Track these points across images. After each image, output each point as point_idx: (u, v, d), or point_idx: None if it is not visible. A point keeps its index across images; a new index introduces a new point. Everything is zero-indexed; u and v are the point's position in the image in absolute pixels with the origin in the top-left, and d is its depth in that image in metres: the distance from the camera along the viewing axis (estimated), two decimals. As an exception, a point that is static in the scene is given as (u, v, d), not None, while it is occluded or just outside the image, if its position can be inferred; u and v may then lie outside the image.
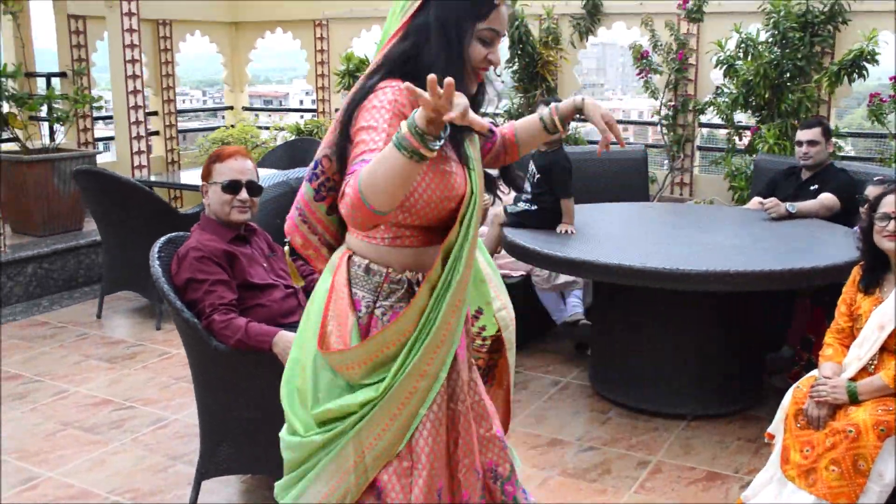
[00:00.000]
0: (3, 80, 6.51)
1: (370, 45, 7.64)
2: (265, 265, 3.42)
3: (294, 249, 2.24)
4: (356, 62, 7.06)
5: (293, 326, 3.23)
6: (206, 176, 3.40)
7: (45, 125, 7.31)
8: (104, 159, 7.80)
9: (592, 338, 4.74)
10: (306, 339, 2.13)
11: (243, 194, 3.35)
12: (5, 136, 6.73)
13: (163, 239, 3.41)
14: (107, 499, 3.46)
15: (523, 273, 5.03)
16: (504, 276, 4.84)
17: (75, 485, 3.57)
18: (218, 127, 8.94)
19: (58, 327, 5.63)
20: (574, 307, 5.00)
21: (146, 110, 7.64)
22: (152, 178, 7.23)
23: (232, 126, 8.61)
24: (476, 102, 2.11)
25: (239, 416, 3.23)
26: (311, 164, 2.14)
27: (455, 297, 2.00)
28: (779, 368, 4.58)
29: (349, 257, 2.09)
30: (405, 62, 1.99)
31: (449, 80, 1.62)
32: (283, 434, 2.17)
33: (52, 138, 7.33)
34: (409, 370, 1.97)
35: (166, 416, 4.23)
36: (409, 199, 1.96)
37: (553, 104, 2.40)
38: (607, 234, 4.58)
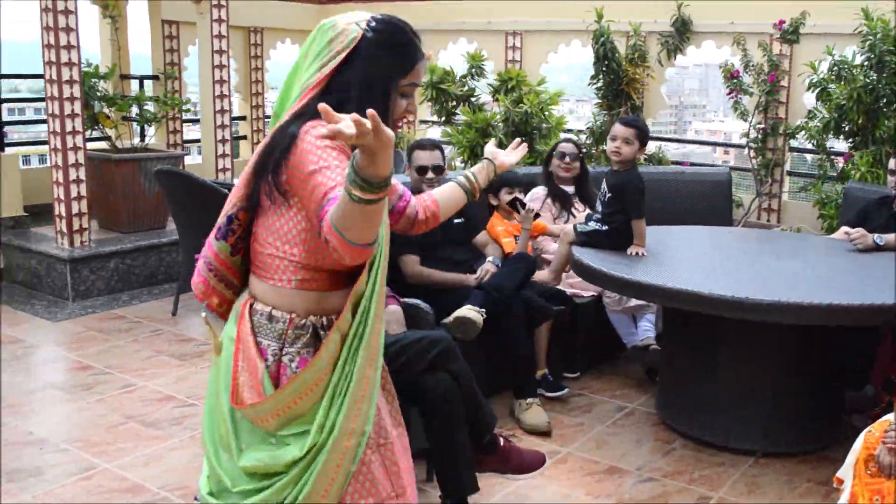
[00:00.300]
0: (96, 81, 6.73)
1: (456, 56, 7.63)
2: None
3: (212, 312, 2.21)
4: (439, 73, 7.05)
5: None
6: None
7: (137, 126, 7.53)
8: (191, 161, 7.99)
9: (661, 364, 4.59)
10: (220, 390, 2.09)
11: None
12: (96, 134, 6.94)
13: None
14: (157, 494, 3.50)
15: (594, 293, 4.92)
16: (574, 296, 4.76)
17: (129, 478, 3.62)
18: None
19: (134, 322, 5.76)
20: (646, 331, 4.86)
21: (233, 115, 7.79)
22: (235, 181, 7.33)
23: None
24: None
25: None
26: (224, 221, 2.09)
27: (369, 350, 1.98)
28: (860, 408, 4.35)
29: (251, 305, 2.07)
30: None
31: (371, 111, 1.56)
32: (203, 495, 2.12)
33: (142, 138, 7.54)
34: (338, 429, 1.94)
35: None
36: (315, 241, 1.94)
37: (469, 171, 2.47)
38: (680, 257, 4.44)
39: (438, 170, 4.51)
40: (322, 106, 1.56)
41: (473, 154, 6.75)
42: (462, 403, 3.18)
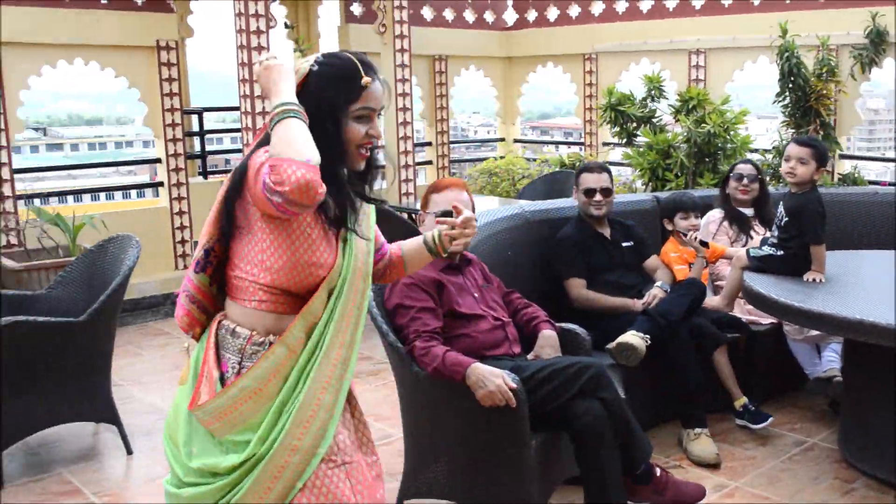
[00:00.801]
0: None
1: (636, 78, 7.51)
2: (476, 295, 3.44)
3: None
4: (618, 96, 6.96)
5: (498, 359, 3.24)
6: (424, 205, 3.48)
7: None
8: (376, 186, 8.27)
9: (843, 397, 4.28)
10: (183, 399, 2.17)
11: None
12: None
13: (383, 264, 3.54)
14: (319, 508, 3.63)
15: (773, 321, 4.67)
16: (751, 323, 4.54)
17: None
18: (487, 158, 9.18)
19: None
20: (830, 362, 4.55)
21: (418, 141, 8.03)
22: (417, 206, 7.55)
23: (501, 157, 8.81)
24: (364, 178, 2.25)
25: (438, 442, 3.27)
26: (201, 255, 2.17)
27: (323, 375, 2.08)
28: None
29: (220, 322, 2.18)
30: None
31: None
32: (165, 482, 2.21)
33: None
34: (278, 444, 2.02)
35: (393, 434, 4.37)
36: (275, 261, 2.06)
37: (437, 230, 2.47)
38: (862, 285, 4.14)
39: (606, 192, 4.46)
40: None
41: (654, 176, 6.62)
42: (612, 431, 3.11)
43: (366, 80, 2.11)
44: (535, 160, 9.01)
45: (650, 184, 6.68)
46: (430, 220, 3.42)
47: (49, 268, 5.61)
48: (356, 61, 2.14)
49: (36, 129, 37.27)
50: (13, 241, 6.26)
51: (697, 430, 4.06)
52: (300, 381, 2.07)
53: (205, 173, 7.88)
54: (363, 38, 8.09)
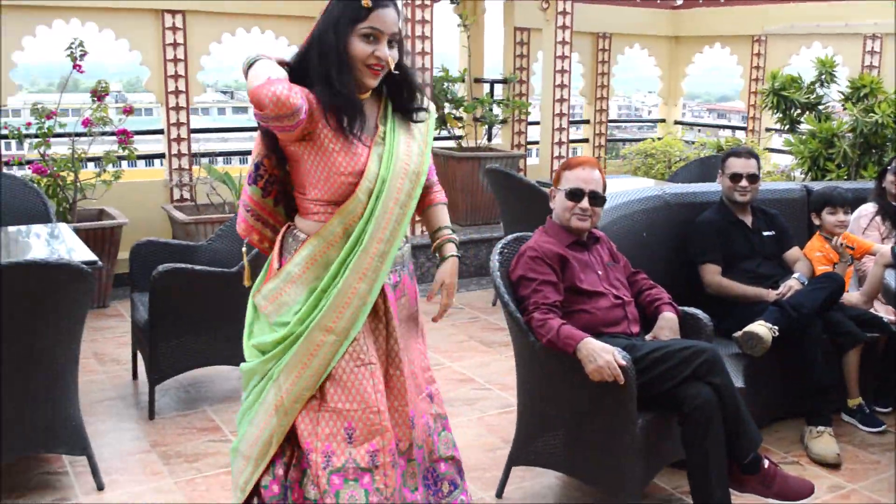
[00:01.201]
0: (448, 84, 7.33)
1: (807, 62, 7.23)
2: (599, 273, 3.50)
3: (251, 248, 2.65)
4: (783, 80, 6.73)
5: (615, 336, 3.31)
6: (556, 182, 3.57)
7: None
8: (530, 162, 8.38)
9: None
10: (252, 293, 2.52)
11: (584, 203, 3.45)
12: (444, 133, 7.57)
13: (510, 237, 3.67)
14: (436, 464, 3.82)
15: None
16: (893, 323, 4.37)
17: (416, 446, 3.99)
18: (645, 139, 9.09)
19: (456, 308, 6.24)
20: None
21: (577, 118, 8.06)
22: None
23: (658, 139, 8.71)
24: (403, 99, 2.53)
25: (549, 412, 3.38)
26: (252, 169, 2.50)
27: (361, 266, 2.39)
28: None
29: (287, 227, 2.56)
30: (303, 67, 2.39)
31: None
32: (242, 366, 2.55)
33: (488, 139, 8.07)
34: (314, 324, 2.37)
35: (514, 403, 4.50)
36: (312, 177, 2.42)
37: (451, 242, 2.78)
38: None
39: (752, 178, 4.38)
40: None
41: (815, 165, 6.39)
42: (721, 417, 3.12)
43: (366, 1, 2.33)
44: (693, 143, 8.84)
45: (810, 173, 6.46)
46: (559, 197, 3.51)
47: (213, 222, 6.06)
48: None
49: (224, 93, 39.33)
50: (186, 195, 6.78)
51: (820, 427, 3.98)
52: (340, 271, 2.39)
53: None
54: (527, 14, 8.18)
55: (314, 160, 2.41)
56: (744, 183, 4.36)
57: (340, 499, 2.38)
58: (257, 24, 7.19)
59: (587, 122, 9.06)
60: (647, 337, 3.45)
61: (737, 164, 4.39)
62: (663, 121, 9.60)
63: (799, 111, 6.81)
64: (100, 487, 3.54)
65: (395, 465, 2.46)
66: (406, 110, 2.55)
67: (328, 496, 2.38)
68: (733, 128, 10.25)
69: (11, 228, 4.73)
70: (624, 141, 10.13)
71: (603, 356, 3.02)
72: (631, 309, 3.51)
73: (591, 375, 3.04)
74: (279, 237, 2.57)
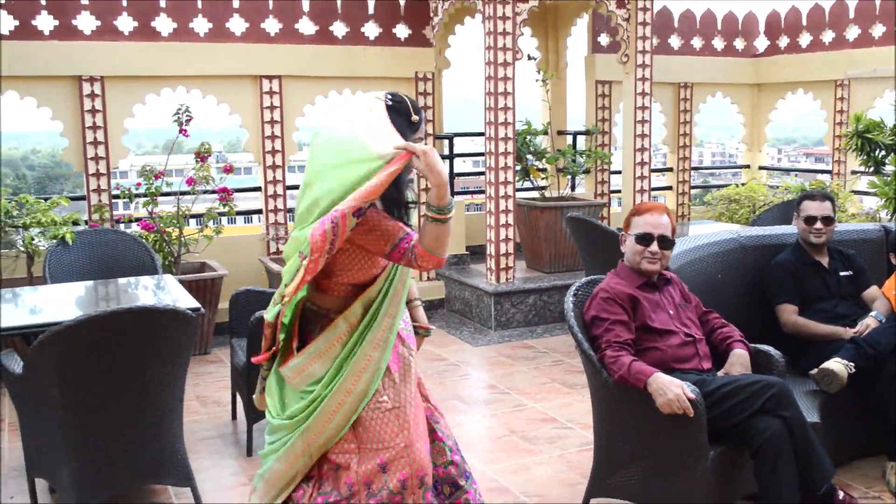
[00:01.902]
0: (531, 137, 7.57)
1: (890, 105, 7.22)
2: (671, 312, 3.63)
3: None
4: (866, 123, 6.75)
5: (686, 373, 3.44)
6: (626, 227, 3.73)
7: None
8: (614, 210, 8.52)
9: None
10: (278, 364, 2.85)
11: (654, 247, 3.61)
12: (527, 185, 7.79)
13: (584, 280, 3.84)
14: (517, 498, 3.98)
15: None
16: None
17: (498, 481, 4.15)
18: (729, 185, 9.13)
19: (540, 352, 6.39)
20: None
21: (661, 166, 8.18)
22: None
23: (742, 184, 8.75)
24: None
25: (624, 447, 3.51)
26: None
27: (375, 338, 2.74)
28: None
29: (303, 303, 2.83)
30: None
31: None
32: (267, 416, 2.90)
33: (572, 188, 8.26)
34: (336, 387, 2.70)
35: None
36: (353, 262, 2.74)
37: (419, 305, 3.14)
38: None
39: (827, 220, 4.46)
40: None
41: (903, 206, 6.38)
42: (792, 450, 3.20)
43: (414, 117, 2.71)
44: (777, 188, 8.83)
45: (895, 214, 6.43)
46: (630, 241, 3.68)
47: (308, 272, 6.38)
48: (409, 103, 2.76)
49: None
50: (281, 248, 7.16)
51: (903, 463, 3.98)
52: (357, 343, 2.71)
53: (452, 193, 8.48)
54: (608, 67, 8.39)
55: (363, 252, 2.75)
56: (818, 225, 4.43)
57: None
58: (348, 87, 7.59)
59: (671, 169, 9.16)
60: (719, 373, 3.55)
61: (811, 207, 4.48)
62: (747, 166, 9.62)
63: (883, 153, 6.82)
64: (202, 517, 3.81)
65: (424, 487, 2.77)
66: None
67: None
68: (819, 171, 10.17)
69: (122, 280, 5.13)
70: (707, 188, 10.16)
71: (672, 389, 3.15)
72: (702, 346, 3.62)
73: (662, 408, 3.17)
74: (296, 315, 2.83)
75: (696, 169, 9.76)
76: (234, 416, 5.05)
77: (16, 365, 3.68)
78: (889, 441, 4.06)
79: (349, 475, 2.74)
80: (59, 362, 3.40)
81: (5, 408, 5.21)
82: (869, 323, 4.22)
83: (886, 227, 5.01)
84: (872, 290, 4.54)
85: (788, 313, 4.39)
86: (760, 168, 9.52)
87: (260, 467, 2.90)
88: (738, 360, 3.56)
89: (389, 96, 2.77)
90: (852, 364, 3.95)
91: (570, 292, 3.72)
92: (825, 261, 4.53)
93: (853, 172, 8.18)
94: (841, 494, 3.36)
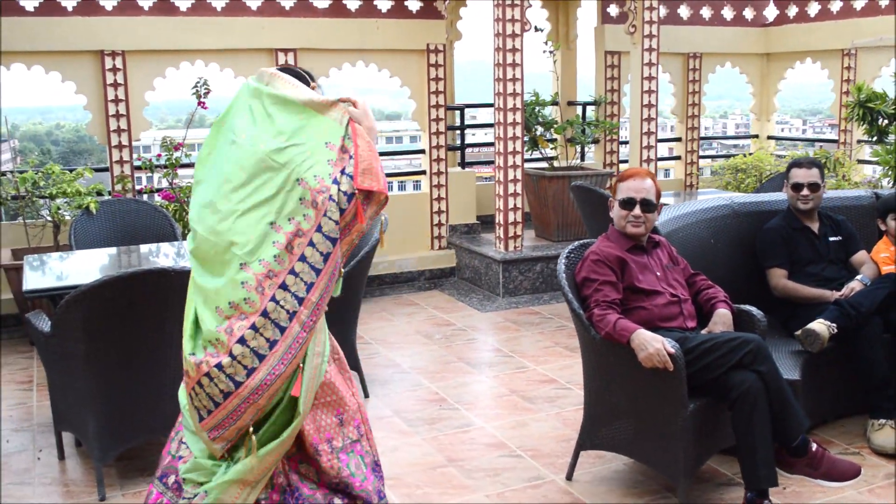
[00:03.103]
0: (539, 108, 7.74)
1: (891, 75, 7.31)
2: (658, 273, 3.83)
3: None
4: (868, 93, 6.85)
5: (670, 331, 3.64)
6: (613, 193, 3.93)
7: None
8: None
9: None
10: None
11: (637, 210, 3.80)
12: (536, 154, 7.97)
13: (576, 244, 4.04)
14: (513, 451, 4.21)
15: None
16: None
17: (497, 436, 4.39)
18: (735, 155, 9.25)
19: (545, 318, 6.60)
20: None
21: (669, 137, 8.32)
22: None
23: (749, 154, 8.87)
24: None
25: (610, 401, 3.73)
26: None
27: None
28: None
29: None
30: None
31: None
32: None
33: (581, 158, 8.43)
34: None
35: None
36: None
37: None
38: None
39: (813, 187, 4.62)
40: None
41: (905, 173, 6.50)
42: (767, 402, 3.41)
43: (313, 84, 2.73)
44: (784, 157, 8.95)
45: (897, 182, 6.56)
46: (616, 206, 3.87)
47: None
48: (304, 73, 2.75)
49: (340, 123, 40.59)
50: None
51: (882, 420, 4.16)
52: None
53: (463, 164, 8.68)
54: (616, 38, 8.52)
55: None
56: (805, 192, 4.60)
57: (351, 469, 2.79)
58: (361, 59, 7.77)
59: (679, 139, 9.30)
60: (703, 332, 3.75)
61: (798, 174, 4.64)
62: (756, 136, 9.73)
63: (886, 122, 6.92)
64: (218, 467, 4.07)
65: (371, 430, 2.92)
66: None
67: (343, 471, 2.77)
68: (826, 141, 10.26)
69: (144, 247, 5.39)
70: (714, 157, 10.29)
71: (653, 344, 3.36)
72: (687, 306, 3.82)
73: (643, 363, 3.38)
74: None
75: (705, 139, 9.88)
76: (249, 376, 5.30)
77: (44, 324, 3.94)
78: (870, 399, 4.25)
79: (313, 438, 2.72)
80: (84, 321, 3.66)
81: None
82: (854, 286, 4.40)
83: (878, 193, 5.17)
84: (861, 255, 4.71)
85: (778, 277, 4.57)
86: (769, 138, 9.63)
87: None
88: (721, 320, 3.76)
89: (280, 69, 2.73)
90: (835, 325, 4.14)
91: (563, 255, 3.93)
92: (815, 226, 4.70)
93: (858, 142, 8.28)
94: (814, 446, 3.56)
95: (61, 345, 3.82)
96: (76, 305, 3.62)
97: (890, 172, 6.60)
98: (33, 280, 4.42)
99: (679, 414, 3.43)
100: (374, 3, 7.77)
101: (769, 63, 9.44)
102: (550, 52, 8.07)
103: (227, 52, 7.32)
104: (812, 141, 11.17)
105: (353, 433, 2.82)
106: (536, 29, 7.74)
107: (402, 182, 14.23)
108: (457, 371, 5.40)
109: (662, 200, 4.00)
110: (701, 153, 9.54)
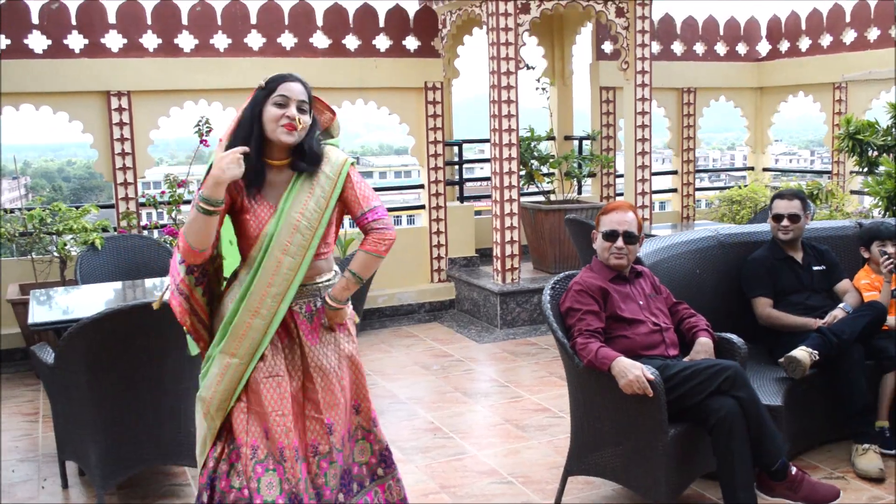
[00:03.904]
0: (535, 143, 7.91)
1: (882, 106, 7.46)
2: (640, 303, 3.95)
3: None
4: (857, 125, 6.99)
5: (651, 359, 3.75)
6: (597, 225, 4.06)
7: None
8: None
9: None
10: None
11: (619, 242, 3.93)
12: (532, 188, 8.12)
13: (561, 275, 4.17)
14: (504, 478, 4.31)
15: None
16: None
17: (489, 463, 4.49)
18: (731, 187, 9.39)
19: (542, 349, 6.72)
20: None
21: (664, 170, 8.47)
22: (652, 231, 8.01)
23: (744, 186, 9.01)
24: (303, 161, 2.99)
25: (595, 427, 3.83)
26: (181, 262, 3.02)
27: (252, 304, 2.93)
28: None
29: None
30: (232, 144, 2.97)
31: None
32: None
33: (578, 191, 8.57)
34: (219, 351, 2.97)
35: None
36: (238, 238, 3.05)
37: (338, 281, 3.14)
38: None
39: (794, 218, 4.75)
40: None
41: (892, 204, 6.62)
42: (745, 427, 3.51)
43: (260, 83, 2.97)
44: (779, 188, 9.08)
45: (887, 212, 6.67)
46: (599, 238, 4.01)
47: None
48: (278, 75, 3.01)
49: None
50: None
51: (865, 445, 4.25)
52: (238, 309, 2.97)
53: (462, 198, 8.84)
54: (611, 74, 8.70)
55: (237, 226, 3.05)
56: (785, 223, 4.73)
57: (261, 484, 2.93)
58: (360, 97, 7.96)
59: (675, 172, 9.45)
60: (685, 360, 3.86)
61: (780, 206, 4.78)
62: (752, 168, 9.88)
63: (876, 153, 7.05)
64: (216, 495, 4.18)
65: (299, 459, 2.99)
66: (304, 170, 3.00)
67: (252, 482, 2.93)
68: (820, 172, 10.39)
69: (148, 281, 5.54)
70: (709, 189, 10.44)
71: (633, 371, 3.47)
72: (669, 335, 3.93)
73: (624, 389, 3.49)
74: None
75: (700, 171, 10.03)
76: (249, 407, 5.42)
77: (48, 356, 4.09)
78: (853, 425, 4.34)
79: (238, 437, 2.96)
80: (87, 352, 3.80)
81: None
82: (836, 314, 4.51)
83: (861, 222, 5.29)
84: (844, 284, 4.82)
85: (763, 306, 4.69)
86: (764, 170, 9.78)
87: None
88: (703, 348, 3.87)
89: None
90: (816, 352, 4.24)
91: (548, 286, 4.05)
92: (799, 256, 4.82)
93: (850, 172, 8.42)
94: (794, 470, 3.65)
95: (64, 375, 3.95)
96: (79, 337, 3.76)
97: (881, 203, 6.72)
98: (39, 314, 4.57)
99: (660, 439, 3.53)
100: (373, 42, 7.98)
101: (762, 97, 9.61)
102: (543, 89, 8.26)
103: (230, 91, 7.52)
104: (806, 172, 11.31)
105: (276, 454, 2.99)
106: (528, 67, 7.91)
107: (410, 216, 14.38)
108: (453, 401, 5.51)
109: (659, 233, 4.13)
110: (707, 185, 9.69)
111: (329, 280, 3.13)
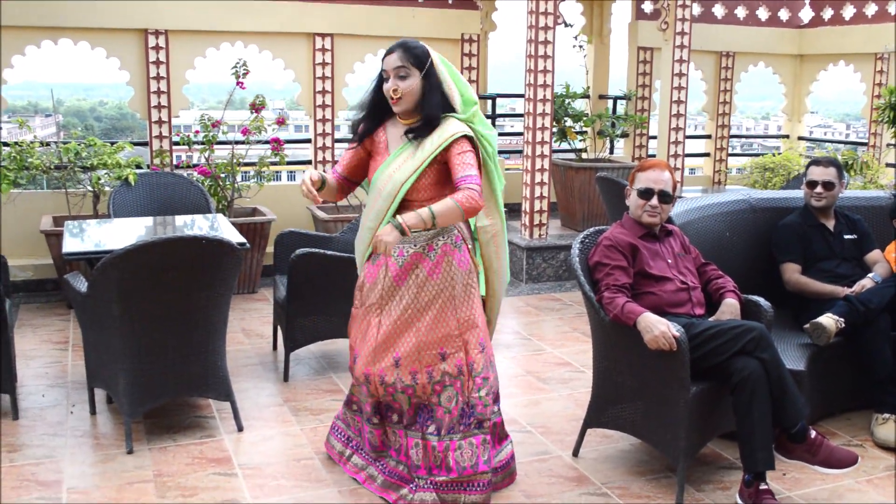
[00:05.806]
0: (569, 100, 7.86)
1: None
2: (669, 261, 3.95)
3: None
4: (896, 95, 6.90)
5: (678, 317, 3.77)
6: (631, 182, 4.05)
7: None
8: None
9: None
10: None
11: (654, 201, 3.92)
12: (564, 146, 8.09)
13: (591, 230, 4.17)
14: (524, 427, 4.37)
15: None
16: None
17: (509, 413, 4.53)
18: (764, 154, 9.30)
19: (566, 304, 6.74)
20: None
21: (699, 133, 8.40)
22: (682, 195, 7.96)
23: (777, 153, 8.92)
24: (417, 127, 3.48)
25: (617, 381, 3.87)
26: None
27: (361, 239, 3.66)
28: None
29: None
30: None
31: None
32: None
33: (611, 151, 8.53)
34: None
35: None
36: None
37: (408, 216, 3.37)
38: None
39: (828, 185, 4.72)
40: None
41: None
42: (767, 388, 3.52)
43: (383, 58, 3.36)
44: (809, 157, 8.99)
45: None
46: (633, 195, 4.00)
47: (350, 220, 6.80)
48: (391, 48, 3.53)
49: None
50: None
51: (886, 415, 4.25)
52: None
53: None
54: (650, 35, 8.61)
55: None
56: (819, 189, 4.70)
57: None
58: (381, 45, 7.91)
59: (709, 136, 9.36)
60: (710, 319, 3.87)
61: (815, 172, 4.74)
62: (787, 136, 9.77)
63: (916, 125, 6.96)
64: (240, 429, 4.27)
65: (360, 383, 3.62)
66: (413, 133, 3.47)
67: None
68: (856, 143, 10.26)
69: (179, 218, 5.60)
70: (742, 155, 10.35)
71: (658, 327, 3.49)
72: (696, 294, 3.94)
73: (649, 344, 3.51)
74: None
75: (734, 137, 9.94)
76: (274, 347, 5.51)
77: (81, 285, 4.16)
78: (874, 394, 4.35)
79: None
80: (119, 283, 3.86)
81: None
82: (865, 283, 4.49)
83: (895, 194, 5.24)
84: (875, 254, 4.80)
85: (791, 272, 4.68)
86: (799, 138, 9.67)
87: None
88: (729, 309, 3.87)
89: None
90: (842, 320, 4.24)
91: (577, 240, 4.06)
92: (831, 223, 4.80)
93: (888, 145, 8.31)
94: (813, 434, 3.67)
95: (97, 304, 4.02)
96: (112, 268, 3.83)
97: (916, 175, 6.65)
98: (72, 244, 4.65)
99: (682, 396, 3.55)
100: (412, -9, 7.93)
101: (802, 64, 9.48)
102: (580, 46, 8.18)
103: (267, 35, 7.52)
104: (842, 143, 11.16)
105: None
106: (566, 24, 7.85)
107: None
108: (475, 351, 5.55)
109: (690, 195, 4.11)
110: (739, 152, 9.61)
111: (427, 232, 3.48)
